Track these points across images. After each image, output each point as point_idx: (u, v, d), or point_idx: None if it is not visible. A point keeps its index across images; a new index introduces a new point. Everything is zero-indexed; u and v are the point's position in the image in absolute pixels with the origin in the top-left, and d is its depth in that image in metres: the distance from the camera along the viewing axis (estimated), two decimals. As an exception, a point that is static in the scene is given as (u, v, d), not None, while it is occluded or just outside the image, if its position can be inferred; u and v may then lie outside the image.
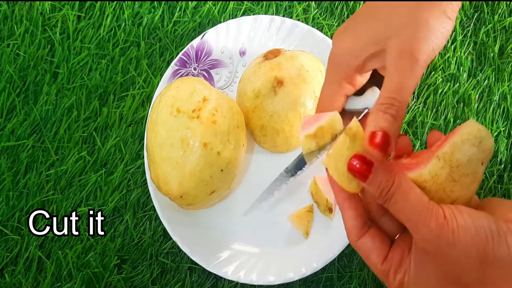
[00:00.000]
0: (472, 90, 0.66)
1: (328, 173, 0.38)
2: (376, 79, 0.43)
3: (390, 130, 0.36)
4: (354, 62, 0.39)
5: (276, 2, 0.69)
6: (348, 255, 0.61)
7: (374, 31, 0.38)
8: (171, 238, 0.61)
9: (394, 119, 0.36)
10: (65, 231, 0.62)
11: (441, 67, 0.67)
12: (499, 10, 0.68)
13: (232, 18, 0.67)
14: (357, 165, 0.35)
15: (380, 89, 0.38)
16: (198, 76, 0.65)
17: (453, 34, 0.68)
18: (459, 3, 0.38)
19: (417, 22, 0.36)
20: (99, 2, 0.69)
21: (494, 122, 0.66)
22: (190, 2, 0.69)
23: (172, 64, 0.64)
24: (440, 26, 0.36)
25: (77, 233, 0.61)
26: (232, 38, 0.65)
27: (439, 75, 0.66)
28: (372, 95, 0.42)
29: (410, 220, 0.34)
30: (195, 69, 0.65)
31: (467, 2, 0.69)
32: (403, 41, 0.36)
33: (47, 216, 0.62)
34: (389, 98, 0.36)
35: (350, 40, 0.40)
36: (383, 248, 0.37)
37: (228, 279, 0.59)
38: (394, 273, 0.36)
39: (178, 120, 0.53)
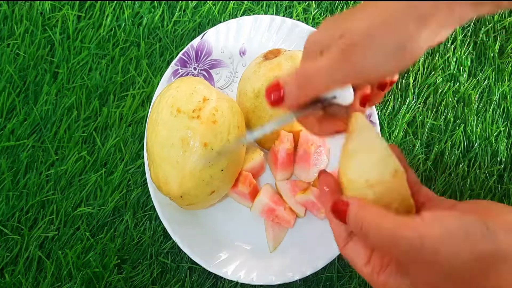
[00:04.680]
0: (472, 90, 0.66)
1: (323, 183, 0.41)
2: None
3: (288, 93, 0.39)
4: (319, 49, 0.39)
5: (276, 2, 0.69)
6: (348, 255, 0.61)
7: (338, 27, 0.38)
8: (171, 238, 0.61)
9: (297, 87, 0.39)
10: (65, 231, 0.62)
11: (441, 67, 0.67)
12: (499, 10, 0.68)
13: (232, 18, 0.67)
14: (336, 208, 0.38)
15: None
16: (198, 76, 0.65)
17: (453, 34, 0.68)
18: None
19: (368, 32, 0.35)
20: (99, 2, 0.69)
21: (494, 122, 0.66)
22: (190, 2, 0.69)
23: (172, 64, 0.63)
24: (390, 53, 0.35)
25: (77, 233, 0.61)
26: (232, 38, 0.65)
27: (439, 75, 0.66)
28: (345, 90, 0.42)
29: (386, 249, 0.35)
30: (195, 69, 0.65)
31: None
32: (348, 42, 0.36)
33: (47, 216, 0.62)
34: (304, 70, 0.38)
35: (323, 32, 0.39)
36: (366, 252, 0.38)
37: (228, 279, 0.59)
38: (377, 274, 0.37)
39: (178, 120, 0.53)
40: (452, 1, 0.33)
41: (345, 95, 0.41)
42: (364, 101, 0.41)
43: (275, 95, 0.39)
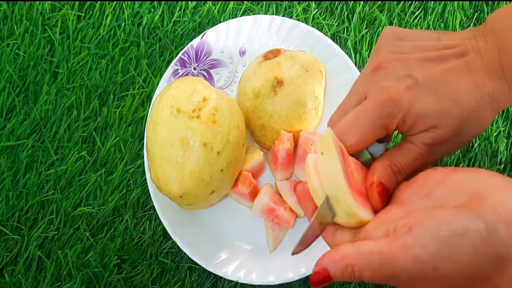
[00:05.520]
0: (472, 90, 0.66)
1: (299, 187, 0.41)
2: None
3: (388, 185, 0.38)
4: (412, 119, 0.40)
5: (276, 2, 0.69)
6: (348, 255, 0.61)
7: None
8: (171, 238, 0.61)
9: (397, 181, 0.39)
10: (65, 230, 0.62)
11: (441, 67, 0.67)
12: None
13: (232, 18, 0.67)
14: (316, 282, 0.35)
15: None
16: (198, 76, 0.65)
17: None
18: None
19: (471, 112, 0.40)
20: (99, 2, 0.69)
21: (494, 122, 0.66)
22: (190, 2, 0.69)
23: (172, 64, 0.63)
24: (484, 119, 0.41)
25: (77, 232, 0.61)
26: (232, 38, 0.65)
27: (439, 75, 0.66)
28: (378, 146, 0.43)
29: (386, 276, 0.32)
30: (195, 69, 0.65)
31: (467, 2, 0.69)
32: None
33: (47, 215, 0.62)
34: (401, 168, 0.39)
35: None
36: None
37: (228, 279, 0.59)
38: None
39: (178, 120, 0.53)
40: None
41: (377, 150, 0.42)
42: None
43: (384, 193, 0.38)
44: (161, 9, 0.69)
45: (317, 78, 0.59)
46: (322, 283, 0.34)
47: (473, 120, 0.39)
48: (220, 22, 0.68)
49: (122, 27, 0.68)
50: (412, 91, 0.39)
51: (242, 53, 0.66)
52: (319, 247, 0.59)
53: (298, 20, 0.67)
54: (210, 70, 0.65)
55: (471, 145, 0.65)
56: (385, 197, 0.38)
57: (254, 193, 0.60)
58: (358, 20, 0.68)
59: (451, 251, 0.30)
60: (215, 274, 0.61)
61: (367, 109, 0.40)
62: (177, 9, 0.69)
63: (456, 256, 0.30)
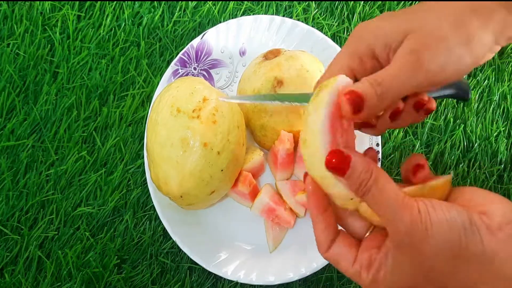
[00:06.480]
0: (472, 90, 0.66)
1: (310, 186, 0.39)
2: None
3: (367, 97, 0.36)
4: (371, 42, 0.39)
5: (276, 2, 0.69)
6: (348, 255, 0.61)
7: (401, 23, 0.38)
8: (171, 238, 0.61)
9: (376, 97, 0.36)
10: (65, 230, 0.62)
11: (441, 67, 0.67)
12: None
13: (232, 18, 0.67)
14: (335, 161, 0.35)
15: None
16: (198, 76, 0.65)
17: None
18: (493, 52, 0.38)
19: (440, 34, 0.36)
20: (99, 2, 0.69)
21: (494, 122, 0.66)
22: (190, 2, 0.69)
23: (172, 64, 0.63)
24: (458, 54, 0.36)
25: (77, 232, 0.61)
26: (232, 38, 0.65)
27: (439, 75, 0.66)
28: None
29: (386, 214, 0.34)
30: (195, 69, 0.65)
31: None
32: (419, 42, 0.36)
33: (47, 215, 0.62)
34: (380, 78, 0.36)
35: (377, 24, 0.39)
36: (351, 252, 0.38)
37: (228, 279, 0.59)
38: (366, 271, 0.36)
39: (178, 120, 0.53)
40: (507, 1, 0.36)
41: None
42: (394, 117, 0.40)
43: (358, 105, 0.36)
44: (161, 9, 0.69)
45: (317, 78, 0.59)
46: (341, 161, 0.35)
47: (460, 31, 0.36)
48: (220, 22, 0.68)
49: (122, 27, 0.68)
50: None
51: (242, 53, 0.66)
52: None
53: (298, 20, 0.67)
54: (210, 70, 0.65)
55: (471, 145, 0.65)
56: (356, 105, 0.36)
57: (254, 193, 0.60)
58: (358, 20, 0.68)
59: (440, 232, 0.33)
60: (215, 274, 0.61)
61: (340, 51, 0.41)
62: (177, 9, 0.69)
63: (443, 237, 0.33)
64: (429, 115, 0.65)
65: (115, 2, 0.69)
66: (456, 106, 0.66)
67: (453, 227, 0.33)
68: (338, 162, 0.35)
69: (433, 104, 0.41)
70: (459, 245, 0.33)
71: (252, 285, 0.60)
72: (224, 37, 0.65)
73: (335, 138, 0.36)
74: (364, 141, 0.61)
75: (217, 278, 0.61)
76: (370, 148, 0.41)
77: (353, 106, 0.36)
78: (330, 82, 0.37)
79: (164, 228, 0.61)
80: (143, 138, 0.64)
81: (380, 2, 0.69)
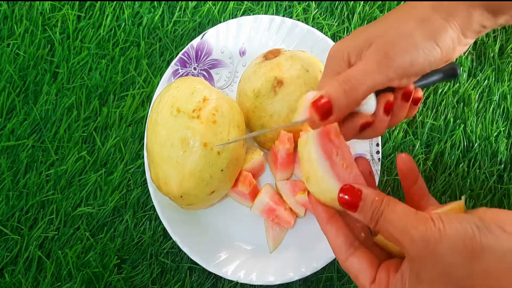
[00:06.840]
0: (472, 90, 0.66)
1: (311, 197, 0.41)
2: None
3: (334, 97, 0.39)
4: (347, 56, 0.42)
5: (276, 2, 0.69)
6: (348, 255, 0.61)
7: (370, 32, 0.41)
8: (171, 238, 0.61)
9: (344, 94, 0.39)
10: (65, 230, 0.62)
11: (441, 67, 0.67)
12: None
13: (232, 18, 0.67)
14: (347, 197, 0.37)
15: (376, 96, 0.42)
16: (198, 76, 0.65)
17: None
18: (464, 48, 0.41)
19: (405, 31, 0.39)
20: (99, 2, 0.69)
21: (494, 122, 0.66)
22: (190, 2, 0.69)
23: (172, 64, 0.63)
24: (424, 47, 0.39)
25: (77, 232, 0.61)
26: (232, 38, 0.65)
27: (439, 75, 0.66)
28: (369, 99, 0.43)
29: (400, 228, 0.35)
30: (195, 69, 0.65)
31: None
32: (385, 41, 0.39)
33: (47, 215, 0.62)
34: (348, 75, 0.39)
35: (350, 40, 0.42)
36: (371, 270, 0.38)
37: (228, 279, 0.59)
38: None
39: (178, 120, 0.53)
40: (471, 1, 0.39)
41: (369, 104, 0.42)
42: (388, 109, 0.42)
43: (324, 107, 0.39)
44: (161, 9, 0.69)
45: (317, 78, 0.59)
46: (354, 197, 0.37)
47: (425, 26, 0.39)
48: (220, 22, 0.68)
49: (122, 27, 0.68)
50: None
51: (242, 53, 0.66)
52: (319, 248, 0.59)
53: (298, 20, 0.67)
54: (210, 70, 0.65)
55: (471, 145, 0.65)
56: (324, 110, 0.39)
57: (254, 193, 0.60)
58: (358, 20, 0.68)
59: (452, 231, 0.33)
60: (215, 274, 0.61)
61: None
62: (177, 9, 0.69)
63: (456, 234, 0.33)
64: (429, 114, 0.65)
65: (115, 2, 0.69)
66: (456, 106, 0.66)
67: (465, 226, 0.33)
68: (350, 197, 0.37)
69: (419, 93, 0.44)
70: (472, 242, 0.33)
71: (252, 285, 0.60)
72: (224, 37, 0.65)
73: (333, 161, 0.38)
74: (364, 141, 0.61)
75: (217, 278, 0.61)
76: (361, 158, 0.43)
77: (321, 112, 0.39)
78: (309, 133, 0.39)
79: (164, 228, 0.61)
80: (143, 138, 0.64)
81: (380, 2, 0.69)
